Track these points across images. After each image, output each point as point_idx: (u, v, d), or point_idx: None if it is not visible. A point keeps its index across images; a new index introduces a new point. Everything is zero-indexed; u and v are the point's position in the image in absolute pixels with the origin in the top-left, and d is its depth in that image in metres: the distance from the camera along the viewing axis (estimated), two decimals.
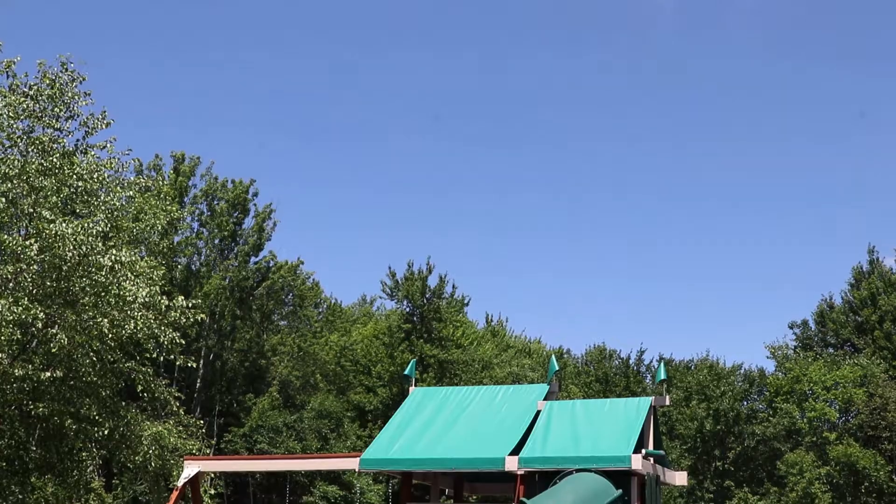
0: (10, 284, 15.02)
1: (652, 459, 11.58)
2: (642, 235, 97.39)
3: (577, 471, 10.87)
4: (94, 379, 15.66)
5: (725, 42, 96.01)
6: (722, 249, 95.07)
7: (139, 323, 15.57)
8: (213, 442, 41.53)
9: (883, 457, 44.78)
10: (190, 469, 14.03)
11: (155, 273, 16.86)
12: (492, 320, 69.50)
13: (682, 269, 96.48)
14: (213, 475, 33.79)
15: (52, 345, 14.78)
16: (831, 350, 53.30)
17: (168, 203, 19.51)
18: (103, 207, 17.28)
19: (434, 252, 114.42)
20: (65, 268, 15.29)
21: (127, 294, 15.59)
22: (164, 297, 16.57)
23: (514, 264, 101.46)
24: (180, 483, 13.99)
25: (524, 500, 10.22)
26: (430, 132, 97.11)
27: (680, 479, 12.81)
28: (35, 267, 15.19)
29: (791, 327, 57.36)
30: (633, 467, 10.84)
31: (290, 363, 48.16)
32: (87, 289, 15.36)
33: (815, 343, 54.99)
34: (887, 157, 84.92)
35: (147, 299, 16.04)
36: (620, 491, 10.58)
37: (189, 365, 17.75)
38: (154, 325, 15.86)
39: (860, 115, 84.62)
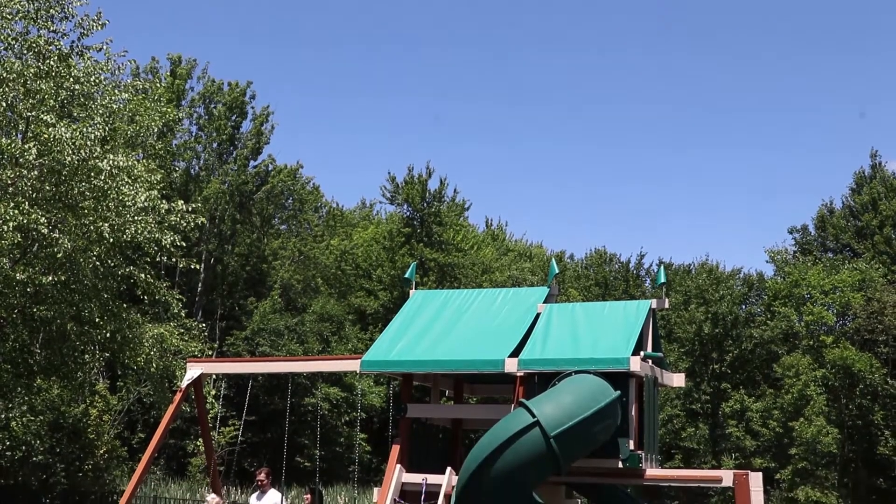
0: (10, 189, 14.95)
1: (650, 361, 11.68)
2: (643, 139, 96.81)
3: (576, 372, 10.97)
4: (96, 283, 15.71)
5: None
6: (723, 153, 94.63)
7: (139, 227, 15.54)
8: (216, 345, 41.95)
9: (878, 360, 45.25)
10: (193, 371, 14.18)
11: (153, 177, 16.75)
12: (492, 224, 69.59)
13: (683, 173, 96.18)
14: (215, 377, 34.24)
15: (56, 249, 14.77)
16: (830, 255, 53.42)
17: (163, 105, 19.27)
18: (101, 111, 17.10)
19: (434, 157, 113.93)
20: (64, 172, 15.21)
21: (126, 198, 15.54)
22: (164, 202, 16.52)
23: (515, 169, 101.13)
24: (183, 385, 14.15)
25: (523, 401, 10.33)
26: (429, 38, 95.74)
27: (678, 380, 12.93)
28: (34, 172, 15.10)
29: (791, 232, 57.41)
30: (632, 369, 10.93)
31: (290, 267, 48.35)
32: (87, 193, 15.30)
33: (814, 248, 55.09)
34: (892, 60, 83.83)
35: (146, 203, 15.98)
36: (619, 392, 10.69)
37: (191, 267, 17.78)
38: (154, 230, 15.84)
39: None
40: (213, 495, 14.20)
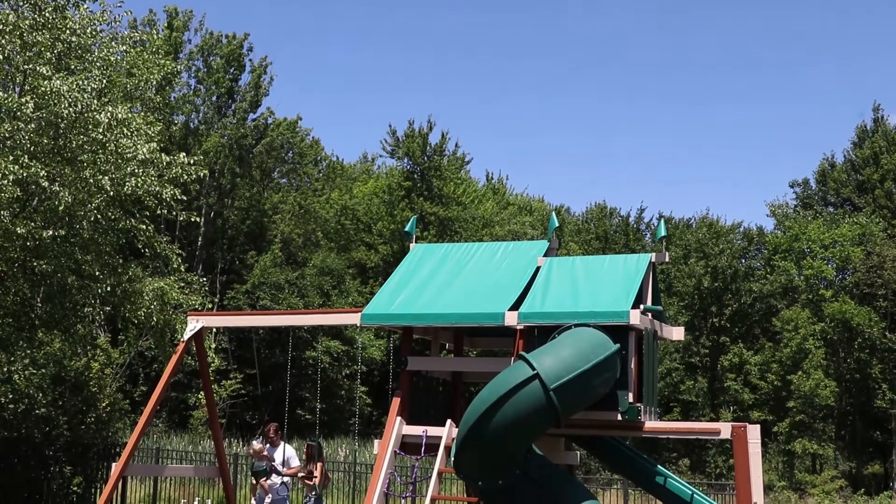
0: (8, 143, 14.88)
1: (650, 315, 11.70)
2: (643, 93, 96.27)
3: (576, 326, 10.99)
4: (95, 236, 15.69)
5: None
6: (725, 107, 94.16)
7: (139, 180, 15.49)
8: (216, 299, 42.04)
9: (877, 314, 45.38)
10: (194, 324, 14.22)
11: (152, 129, 16.65)
12: (493, 178, 69.41)
13: (685, 127, 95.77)
14: (216, 330, 34.37)
15: (56, 202, 14.72)
16: (831, 209, 53.38)
17: (161, 58, 19.10)
18: (98, 63, 16.97)
19: (436, 111, 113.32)
20: (62, 125, 15.12)
21: (125, 151, 15.47)
22: (164, 154, 16.45)
23: (516, 122, 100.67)
24: (184, 338, 14.20)
25: (523, 353, 10.36)
26: None
27: (677, 334, 12.96)
28: (32, 125, 15.01)
29: (791, 186, 57.29)
30: (632, 322, 10.95)
31: (291, 221, 48.31)
32: (85, 146, 15.22)
33: (815, 202, 55.03)
34: (894, 14, 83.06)
35: (146, 156, 15.92)
36: (618, 345, 10.71)
37: (191, 220, 17.75)
38: (154, 183, 15.78)
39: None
40: (257, 441, 14.48)
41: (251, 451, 14.30)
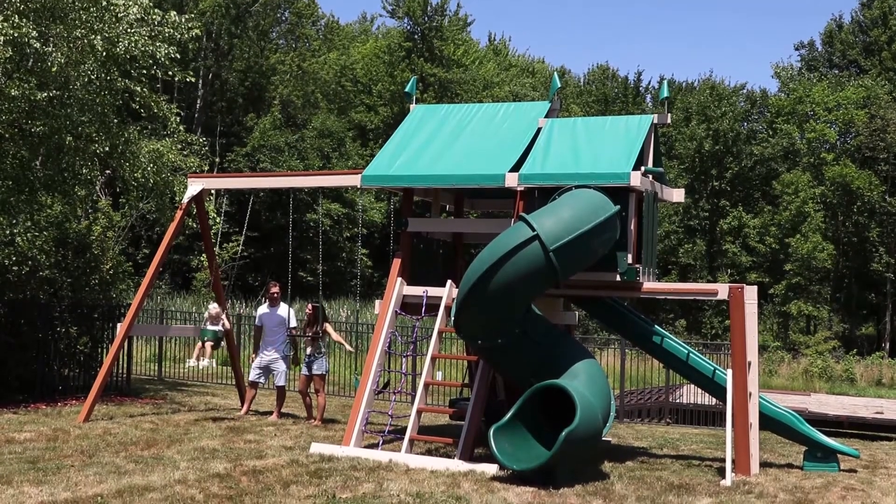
0: None
1: (651, 176, 11.66)
2: None
3: (577, 187, 10.97)
4: (91, 97, 15.49)
5: None
6: None
7: (131, 39, 15.18)
8: (217, 161, 41.94)
9: (878, 177, 45.36)
10: (194, 187, 14.20)
11: None
12: (494, 39, 68.27)
13: None
14: (217, 193, 34.38)
15: (49, 63, 14.49)
16: (836, 71, 52.68)
17: None
18: None
19: None
20: None
21: (117, 9, 15.13)
22: (157, 11, 16.09)
23: None
24: (185, 200, 14.20)
25: (523, 215, 10.37)
26: None
27: (678, 196, 12.94)
28: None
29: (797, 48, 56.44)
30: (632, 184, 10.92)
31: (290, 82, 47.74)
32: (76, 3, 14.86)
33: (820, 64, 54.27)
34: None
35: (139, 15, 15.57)
36: (618, 207, 10.71)
37: (188, 80, 17.48)
38: (148, 42, 15.48)
39: None
40: (214, 304, 14.51)
41: (207, 313, 14.34)
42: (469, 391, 11.79)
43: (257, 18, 46.06)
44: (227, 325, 14.34)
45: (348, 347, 15.36)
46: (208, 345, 13.95)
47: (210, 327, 14.10)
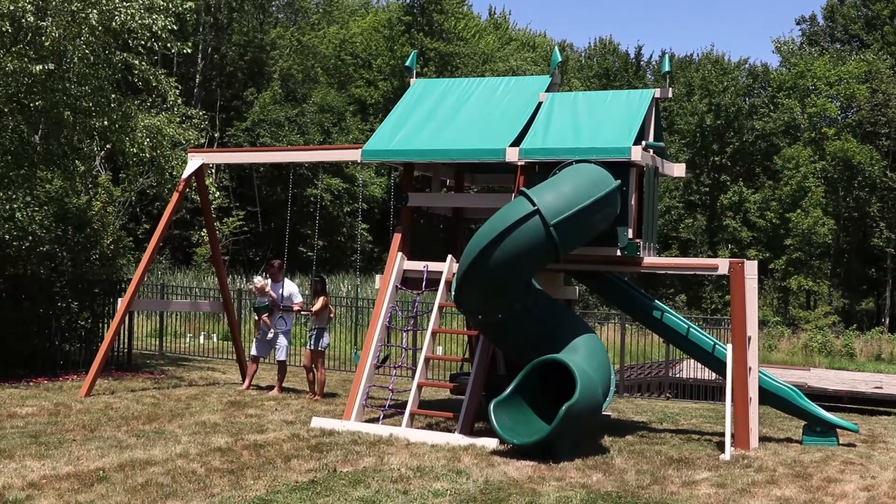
0: None
1: (651, 151, 11.63)
2: None
3: (577, 162, 10.96)
4: (88, 71, 15.41)
5: None
6: None
7: (126, 14, 15.06)
8: (217, 135, 41.82)
9: (879, 152, 45.27)
10: (194, 162, 14.17)
11: None
12: (495, 13, 67.91)
13: None
14: (217, 168, 34.31)
15: (44, 37, 14.41)
16: (838, 45, 52.46)
17: None
18: None
19: None
20: None
21: None
22: None
23: None
24: (184, 176, 14.18)
25: (524, 189, 10.35)
26: None
27: (678, 170, 12.92)
28: None
29: (798, 23, 56.15)
30: (633, 158, 10.89)
31: (290, 57, 47.52)
32: None
33: (821, 38, 54.02)
34: None
35: None
36: (619, 181, 10.70)
37: (186, 52, 17.35)
38: (144, 15, 15.36)
39: None
40: (259, 277, 14.76)
41: (254, 287, 14.52)
42: (469, 366, 11.81)
43: None
44: (273, 294, 14.40)
45: (307, 313, 14.81)
46: (264, 317, 14.21)
47: (261, 300, 14.33)
